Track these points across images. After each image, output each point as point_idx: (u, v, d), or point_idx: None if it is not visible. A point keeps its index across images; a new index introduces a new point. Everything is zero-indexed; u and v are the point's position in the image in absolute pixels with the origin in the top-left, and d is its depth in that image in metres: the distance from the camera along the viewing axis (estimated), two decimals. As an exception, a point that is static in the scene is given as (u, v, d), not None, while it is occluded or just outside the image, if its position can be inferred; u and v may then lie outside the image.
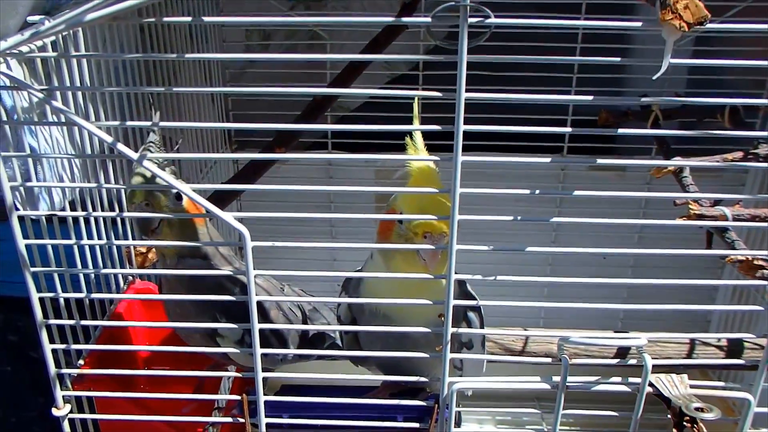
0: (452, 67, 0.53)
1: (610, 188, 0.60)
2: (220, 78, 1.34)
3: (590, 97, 0.55)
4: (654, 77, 0.51)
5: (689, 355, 1.00)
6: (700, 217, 0.90)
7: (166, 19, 0.48)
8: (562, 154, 1.41)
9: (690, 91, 1.37)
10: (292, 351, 0.68)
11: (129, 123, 0.61)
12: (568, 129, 0.57)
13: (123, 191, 0.83)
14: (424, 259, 0.65)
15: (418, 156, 0.67)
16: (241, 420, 0.69)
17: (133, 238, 0.90)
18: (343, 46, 1.37)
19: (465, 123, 0.54)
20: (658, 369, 0.66)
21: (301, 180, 1.36)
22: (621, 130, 0.61)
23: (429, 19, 0.52)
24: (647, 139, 1.37)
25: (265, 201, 1.41)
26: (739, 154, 1.02)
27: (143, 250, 0.89)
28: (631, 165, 1.41)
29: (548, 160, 0.59)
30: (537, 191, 0.59)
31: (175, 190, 0.68)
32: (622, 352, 0.92)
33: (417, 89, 1.26)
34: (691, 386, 0.64)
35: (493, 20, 0.51)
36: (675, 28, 0.49)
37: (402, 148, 0.70)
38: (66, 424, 0.71)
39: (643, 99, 0.58)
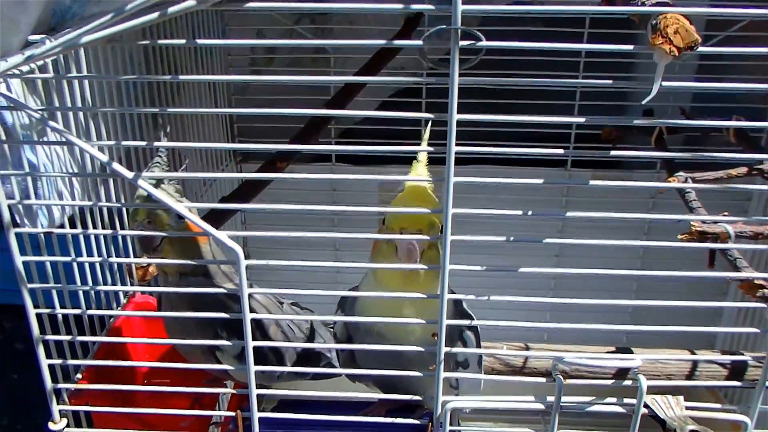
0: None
1: (614, 201, 0.59)
2: (224, 91, 1.36)
3: (582, 119, 0.55)
4: (644, 101, 0.51)
5: (692, 373, 0.99)
6: (702, 233, 0.89)
7: (160, 42, 0.49)
8: (566, 168, 1.41)
9: (695, 105, 1.37)
10: (287, 369, 0.68)
11: (124, 143, 0.62)
12: (559, 150, 0.57)
13: (124, 210, 0.84)
14: (401, 257, 0.66)
15: (413, 177, 0.67)
16: (236, 436, 0.70)
17: (134, 253, 0.91)
18: (347, 59, 1.38)
19: (468, 136, 0.54)
20: (656, 390, 0.65)
21: (304, 193, 1.36)
22: (622, 152, 0.60)
23: (420, 43, 0.52)
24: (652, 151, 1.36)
25: (269, 216, 1.42)
26: (744, 169, 1.01)
27: (144, 264, 0.90)
28: (632, 186, 1.41)
29: (540, 181, 0.59)
30: (530, 212, 0.59)
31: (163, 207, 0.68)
32: (623, 372, 0.91)
33: (420, 104, 1.29)
34: (688, 408, 0.63)
35: (484, 44, 0.52)
36: (665, 53, 0.49)
37: (404, 161, 0.71)
38: (63, 439, 0.71)
39: (636, 121, 0.58)
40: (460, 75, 0.52)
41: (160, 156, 0.70)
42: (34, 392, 1.57)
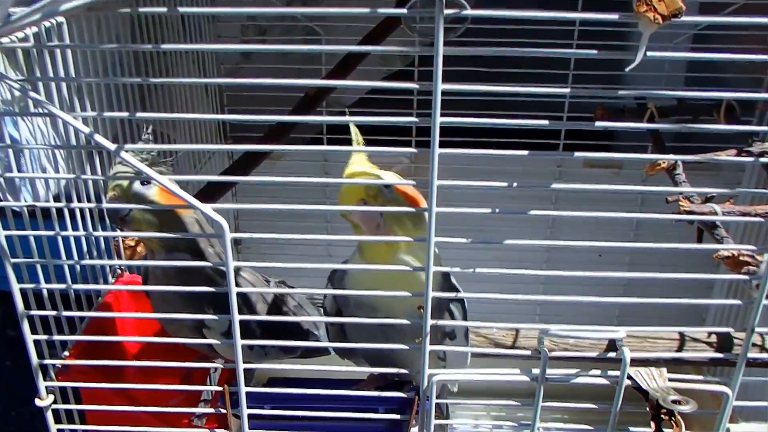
0: (448, 63, 0.53)
1: (606, 182, 0.59)
2: (215, 74, 1.35)
3: (566, 90, 0.55)
4: (627, 69, 0.50)
5: (679, 351, 0.99)
6: (690, 213, 0.89)
7: (141, 9, 0.48)
8: (558, 152, 1.41)
9: (688, 89, 1.36)
10: (274, 342, 0.68)
11: (107, 114, 0.61)
12: (543, 122, 0.57)
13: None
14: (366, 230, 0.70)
15: (397, 149, 0.67)
16: (224, 411, 0.70)
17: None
18: (338, 42, 1.37)
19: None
20: (641, 363, 0.66)
21: (296, 176, 1.36)
22: (615, 124, 0.60)
23: (404, 11, 0.52)
24: (643, 137, 1.37)
25: (262, 197, 1.42)
26: (734, 152, 1.02)
27: (132, 243, 0.90)
28: (625, 159, 1.41)
29: (525, 152, 0.58)
30: (515, 184, 0.59)
31: (142, 178, 0.68)
32: (612, 346, 0.92)
33: (410, 92, 1.28)
34: (670, 380, 0.63)
35: (469, 12, 0.51)
36: (650, 21, 0.49)
37: (398, 143, 0.71)
38: (50, 415, 0.71)
39: (638, 92, 0.57)
40: (446, 45, 0.52)
41: (146, 137, 0.69)
42: (27, 379, 1.57)
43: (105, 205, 0.66)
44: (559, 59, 1.33)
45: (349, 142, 0.71)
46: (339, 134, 1.41)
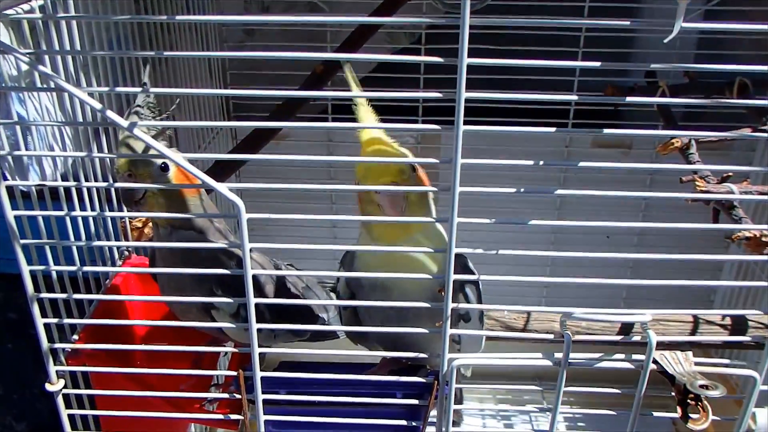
0: (455, 41, 0.51)
1: (616, 160, 0.58)
2: (217, 43, 1.32)
3: (597, 63, 0.53)
4: (665, 40, 0.48)
5: (693, 334, 0.98)
6: (707, 194, 0.88)
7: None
8: (568, 128, 1.39)
9: (699, 66, 1.34)
10: (288, 326, 0.67)
11: (119, 89, 0.59)
12: (573, 96, 0.55)
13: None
14: (388, 212, 0.66)
15: (418, 126, 0.65)
16: (238, 396, 0.68)
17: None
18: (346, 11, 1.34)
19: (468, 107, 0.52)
20: (663, 346, 0.65)
21: (302, 155, 1.34)
22: (628, 99, 0.59)
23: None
24: (654, 116, 1.35)
25: (266, 177, 1.40)
26: (747, 131, 1.00)
27: (139, 224, 0.88)
28: (638, 136, 1.39)
29: (553, 129, 0.57)
30: (541, 162, 0.57)
31: (160, 161, 0.66)
32: (625, 329, 0.91)
33: (417, 68, 1.25)
34: (696, 363, 0.62)
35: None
36: (687, -9, 0.47)
37: (404, 122, 0.69)
38: (60, 400, 0.70)
39: (654, 66, 0.55)
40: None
41: (141, 98, 0.67)
42: (28, 363, 1.56)
43: (119, 184, 0.64)
44: (567, 36, 1.31)
45: (353, 121, 0.68)
46: (345, 113, 1.39)
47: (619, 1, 1.27)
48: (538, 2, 1.18)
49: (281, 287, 0.83)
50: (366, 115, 0.68)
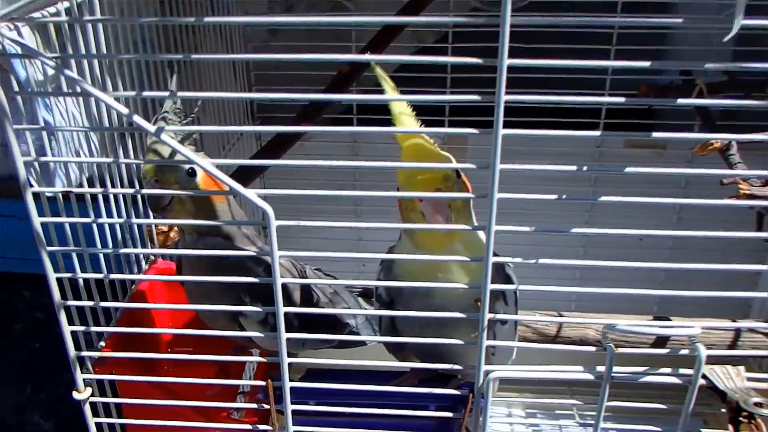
0: (481, 39, 0.48)
1: (648, 164, 0.55)
2: (242, 53, 1.31)
3: (644, 63, 0.50)
4: (725, 39, 0.45)
5: (734, 343, 0.95)
6: (751, 197, 0.84)
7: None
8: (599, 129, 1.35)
9: (737, 66, 1.30)
10: (318, 336, 0.65)
11: (146, 93, 0.57)
12: (618, 99, 0.52)
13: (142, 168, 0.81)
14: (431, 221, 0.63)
15: (453, 129, 0.63)
16: (267, 406, 0.67)
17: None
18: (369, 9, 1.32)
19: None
20: (710, 360, 0.61)
21: (325, 158, 1.32)
22: (662, 100, 0.56)
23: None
24: (690, 115, 1.30)
25: (289, 180, 1.38)
26: (790, 131, 0.96)
27: (165, 229, 0.87)
28: (674, 138, 1.35)
29: (597, 133, 0.54)
30: (584, 168, 0.54)
31: (187, 166, 0.64)
32: (663, 339, 0.87)
33: (444, 66, 1.23)
34: (749, 379, 0.59)
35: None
36: (748, -15, 0.44)
37: (430, 124, 0.66)
38: (87, 408, 0.69)
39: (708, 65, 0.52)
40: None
41: (169, 105, 0.65)
42: (55, 362, 1.57)
43: (145, 191, 0.62)
44: (599, 33, 1.27)
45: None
46: (370, 112, 1.37)
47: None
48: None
49: (309, 293, 0.81)
50: (401, 112, 0.65)
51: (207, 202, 0.70)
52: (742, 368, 0.60)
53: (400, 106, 0.65)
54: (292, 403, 0.66)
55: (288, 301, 0.77)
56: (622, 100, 0.52)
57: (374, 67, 0.64)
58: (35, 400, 1.63)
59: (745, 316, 1.40)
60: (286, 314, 0.61)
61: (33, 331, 1.57)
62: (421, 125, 0.65)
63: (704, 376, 0.59)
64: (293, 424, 0.66)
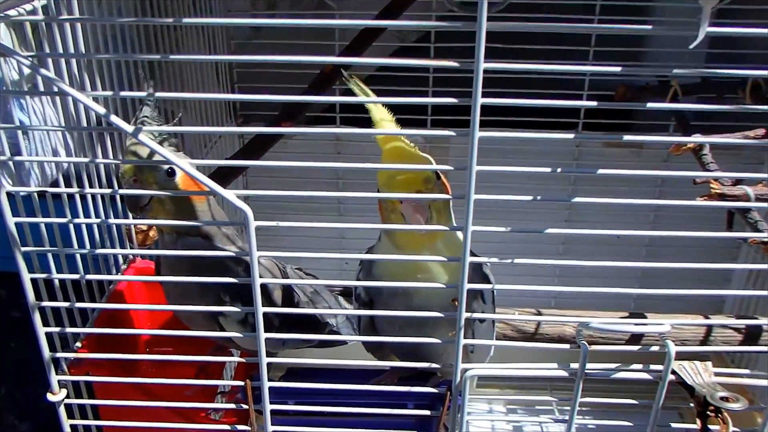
0: (463, 39, 0.49)
1: (625, 166, 0.57)
2: (225, 50, 1.30)
3: (611, 68, 0.51)
4: (691, 46, 0.47)
5: (706, 338, 0.97)
6: (722, 196, 0.86)
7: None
8: (578, 131, 1.36)
9: (711, 66, 1.33)
10: (297, 336, 0.65)
11: (123, 93, 0.57)
12: (588, 103, 0.53)
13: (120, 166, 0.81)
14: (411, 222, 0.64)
15: (431, 131, 0.63)
16: (245, 406, 0.67)
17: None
18: (351, 16, 1.32)
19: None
20: (680, 356, 0.63)
21: (308, 156, 1.33)
22: (640, 104, 0.58)
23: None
24: (666, 115, 1.33)
25: (271, 177, 1.38)
26: (762, 131, 0.98)
27: (144, 228, 0.86)
28: (650, 141, 1.37)
29: (571, 135, 0.55)
30: (558, 169, 0.55)
31: (166, 166, 0.64)
32: (636, 335, 0.89)
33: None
34: (716, 374, 0.61)
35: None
36: (712, -5, 0.45)
37: (412, 123, 0.67)
38: (62, 410, 0.68)
39: (676, 71, 0.54)
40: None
41: (148, 106, 0.65)
42: (32, 361, 1.55)
43: (124, 191, 0.62)
44: (578, 35, 1.28)
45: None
46: (353, 111, 1.37)
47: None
48: (550, 1, 1.16)
49: (289, 293, 0.81)
50: (381, 118, 0.66)
51: (186, 201, 0.70)
52: (709, 364, 0.61)
53: (381, 112, 0.66)
54: (271, 402, 0.66)
55: (268, 300, 0.77)
56: (594, 104, 0.53)
57: (351, 81, 0.65)
58: (11, 400, 1.62)
59: (718, 312, 1.44)
60: (266, 314, 0.61)
61: (9, 331, 1.55)
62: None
63: (674, 372, 0.60)
64: (272, 424, 0.67)
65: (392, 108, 0.67)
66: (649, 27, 0.50)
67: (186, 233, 0.71)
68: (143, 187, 0.65)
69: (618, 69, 0.51)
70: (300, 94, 1.05)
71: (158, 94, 0.55)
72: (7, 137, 0.58)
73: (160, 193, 0.65)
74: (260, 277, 0.59)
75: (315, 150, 1.38)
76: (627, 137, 0.59)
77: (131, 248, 0.87)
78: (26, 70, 0.60)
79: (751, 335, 0.96)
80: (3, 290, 1.53)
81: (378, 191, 0.66)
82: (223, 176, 0.99)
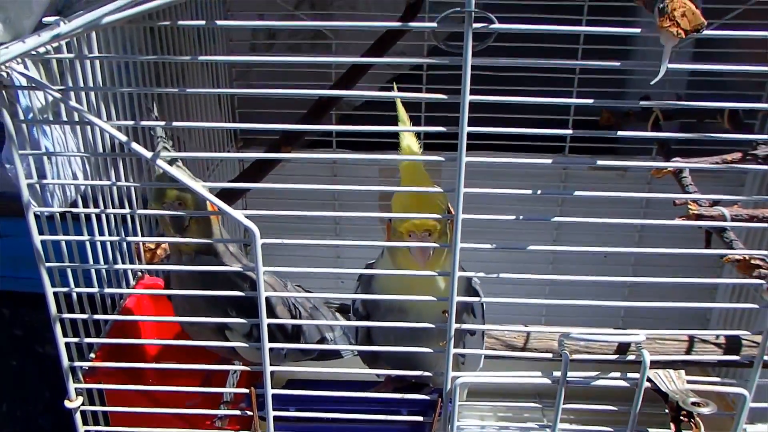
0: (456, 67, 0.54)
1: (611, 188, 0.62)
2: (226, 76, 1.36)
3: (591, 101, 0.57)
4: (652, 83, 0.52)
5: (688, 353, 1.01)
6: (699, 217, 0.91)
7: (180, 22, 0.50)
8: (564, 154, 1.43)
9: (691, 92, 1.39)
10: (300, 346, 0.70)
11: (143, 123, 0.62)
12: (570, 131, 0.59)
13: (133, 189, 0.86)
14: (416, 259, 0.68)
15: (421, 156, 0.69)
16: (250, 413, 0.71)
17: (143, 235, 0.92)
18: (348, 45, 1.39)
19: (468, 124, 0.56)
20: (657, 365, 0.67)
21: (305, 178, 1.38)
22: (621, 133, 0.63)
23: (434, 25, 0.53)
24: (649, 139, 1.39)
25: (271, 199, 1.43)
26: (739, 155, 1.03)
27: (152, 246, 0.91)
28: (633, 166, 1.43)
29: (550, 161, 0.60)
30: (539, 191, 0.60)
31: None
32: (623, 348, 0.93)
33: (420, 88, 1.30)
34: (689, 381, 0.65)
35: (497, 26, 0.53)
36: (672, 35, 0.51)
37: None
38: (78, 416, 0.72)
39: (642, 102, 0.59)
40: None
41: (162, 138, 0.71)
42: (33, 379, 1.57)
43: (142, 211, 0.67)
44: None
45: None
46: (349, 136, 1.43)
47: (615, 21, 1.31)
48: (535, 19, 1.22)
49: (291, 308, 0.86)
50: (408, 145, 0.71)
51: (208, 222, 0.77)
52: (683, 372, 0.66)
53: (409, 140, 0.71)
54: (274, 409, 0.70)
55: (271, 315, 0.82)
56: (570, 132, 0.59)
57: (397, 103, 0.71)
58: (11, 416, 1.63)
59: (704, 327, 1.48)
60: (269, 328, 0.66)
61: (11, 349, 1.58)
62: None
63: (649, 380, 0.65)
64: (275, 430, 0.71)
65: (377, 134, 0.72)
66: (617, 64, 0.56)
67: (203, 252, 0.77)
68: (185, 210, 0.72)
69: (592, 101, 0.57)
70: (299, 119, 1.11)
71: (181, 124, 0.61)
72: (32, 161, 0.63)
73: (196, 213, 0.72)
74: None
75: (312, 173, 1.43)
76: (603, 162, 0.64)
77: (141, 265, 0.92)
78: (50, 99, 0.66)
79: (731, 349, 1.01)
80: (6, 309, 1.56)
81: (378, 208, 0.70)
82: (226, 199, 1.04)
